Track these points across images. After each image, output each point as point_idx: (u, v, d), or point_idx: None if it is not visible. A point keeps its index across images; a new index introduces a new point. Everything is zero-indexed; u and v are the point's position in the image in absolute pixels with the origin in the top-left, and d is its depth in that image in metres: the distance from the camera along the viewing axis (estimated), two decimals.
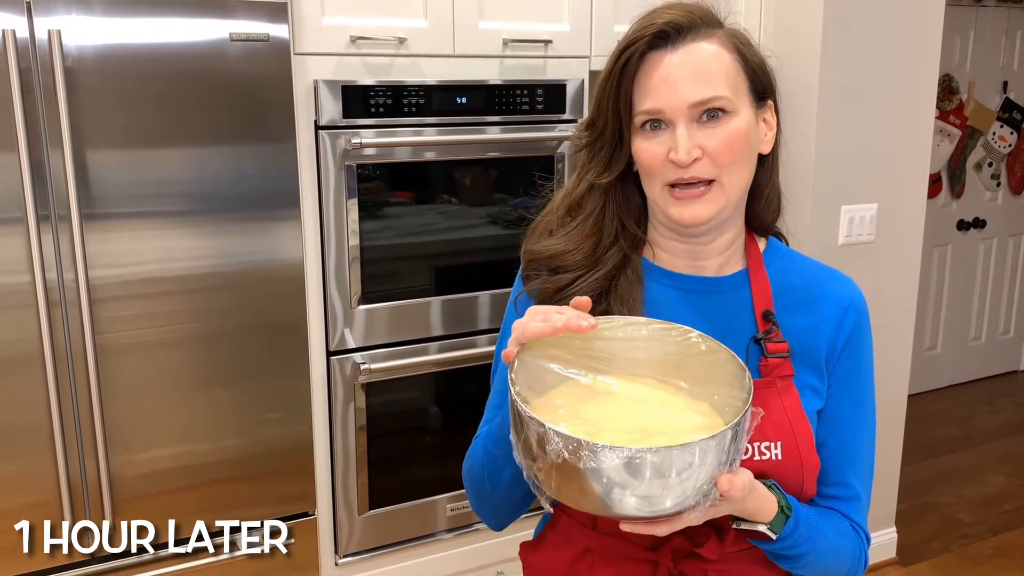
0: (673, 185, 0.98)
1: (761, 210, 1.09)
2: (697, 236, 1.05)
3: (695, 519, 0.87)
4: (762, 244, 1.11)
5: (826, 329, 1.05)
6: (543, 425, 0.82)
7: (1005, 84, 4.39)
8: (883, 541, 2.96)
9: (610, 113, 1.01)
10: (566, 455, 0.80)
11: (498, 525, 1.14)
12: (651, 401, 0.92)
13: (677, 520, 0.86)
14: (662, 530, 0.87)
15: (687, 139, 0.96)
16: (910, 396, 3.37)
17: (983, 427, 4.15)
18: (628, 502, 0.82)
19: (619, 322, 0.98)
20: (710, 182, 0.98)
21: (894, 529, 2.99)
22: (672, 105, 0.96)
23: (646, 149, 0.99)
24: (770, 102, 1.04)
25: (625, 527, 0.87)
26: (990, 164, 4.47)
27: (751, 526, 0.96)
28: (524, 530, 1.23)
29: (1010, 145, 4.49)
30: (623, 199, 1.07)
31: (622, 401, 0.91)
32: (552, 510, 0.94)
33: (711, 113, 0.97)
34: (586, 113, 2.32)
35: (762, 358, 1.03)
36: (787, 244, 1.16)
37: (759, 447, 0.99)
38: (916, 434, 3.93)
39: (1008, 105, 4.43)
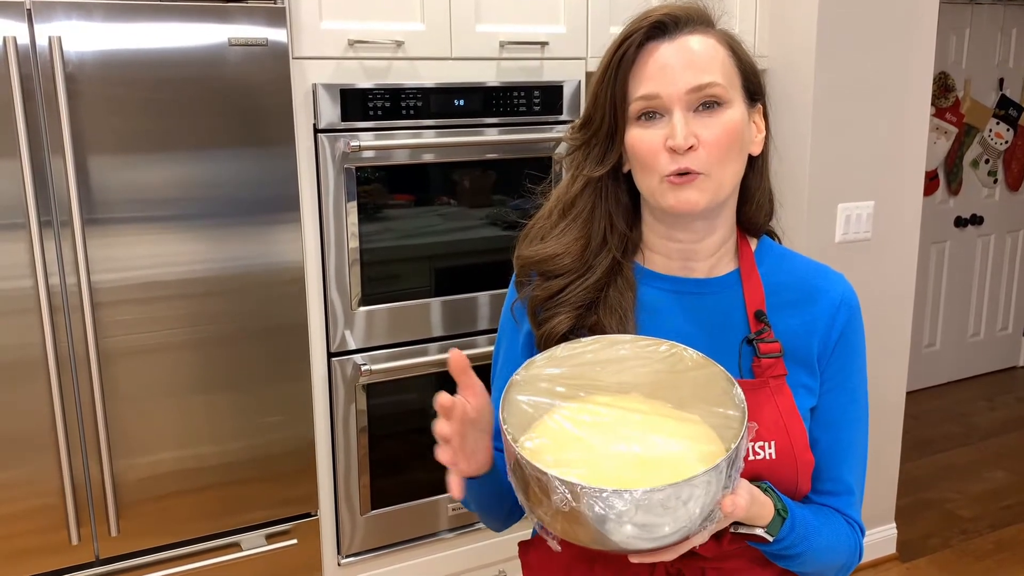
0: (672, 175, 0.98)
1: (752, 213, 1.09)
2: (689, 231, 1.05)
3: (701, 540, 0.88)
4: (753, 244, 1.11)
5: (818, 327, 1.05)
6: (545, 473, 0.81)
7: (1001, 81, 4.40)
8: (883, 537, 2.97)
9: (607, 106, 1.01)
10: (572, 503, 0.79)
11: (498, 529, 1.16)
12: (643, 427, 0.91)
13: (683, 545, 0.87)
14: (669, 556, 0.88)
15: (684, 125, 0.96)
16: (909, 393, 3.38)
17: (983, 423, 4.16)
18: (631, 536, 0.81)
19: (605, 342, 0.98)
20: (700, 174, 0.98)
21: (894, 525, 3.00)
22: (669, 92, 0.97)
23: (641, 138, 0.99)
24: (759, 106, 1.05)
25: (634, 559, 0.87)
26: (987, 161, 4.48)
27: (749, 530, 0.97)
28: (525, 529, 1.24)
29: (1006, 142, 4.50)
30: (613, 198, 1.07)
31: (614, 431, 0.90)
32: (560, 548, 0.95)
33: (707, 104, 0.98)
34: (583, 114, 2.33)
35: (755, 358, 1.03)
36: (780, 243, 1.16)
37: (753, 447, 1.00)
38: (916, 431, 3.95)
39: (1004, 102, 4.44)
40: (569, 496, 0.79)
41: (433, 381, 2.34)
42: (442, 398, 0.91)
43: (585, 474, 0.83)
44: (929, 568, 2.95)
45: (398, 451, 2.35)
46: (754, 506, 0.94)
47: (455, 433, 0.93)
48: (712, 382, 0.93)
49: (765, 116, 1.07)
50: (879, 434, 2.80)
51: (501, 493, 1.04)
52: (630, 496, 0.78)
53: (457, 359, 0.93)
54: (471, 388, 0.93)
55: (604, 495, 0.78)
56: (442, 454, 0.94)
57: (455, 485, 0.95)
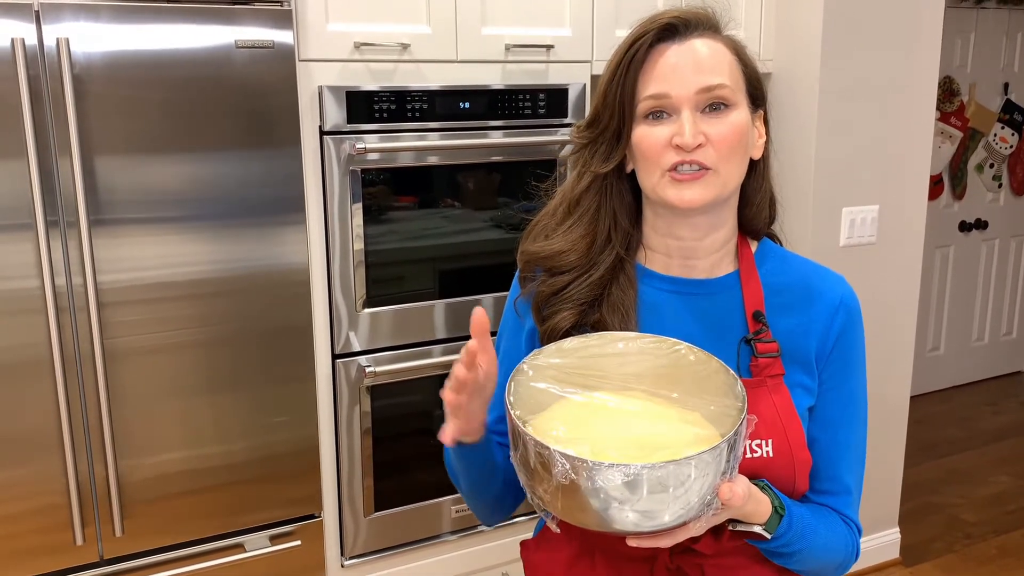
0: (674, 169, 0.99)
1: (752, 216, 1.10)
2: (690, 229, 1.06)
3: (699, 529, 0.89)
4: (754, 246, 1.12)
5: (816, 328, 1.07)
6: (547, 448, 0.83)
7: (1006, 86, 4.40)
8: (886, 541, 2.97)
9: (615, 104, 1.03)
10: (572, 476, 0.81)
11: (487, 520, 1.17)
12: (646, 415, 0.93)
13: (681, 531, 0.88)
14: (666, 542, 0.89)
15: (693, 123, 0.98)
16: (913, 397, 3.38)
17: (986, 428, 4.16)
18: (631, 518, 0.83)
19: (610, 337, 1.00)
20: (708, 169, 1.00)
21: (897, 529, 3.00)
22: (678, 91, 0.99)
23: (648, 135, 1.01)
24: (761, 112, 1.07)
25: (631, 542, 0.88)
26: (991, 165, 4.48)
27: (747, 527, 0.98)
28: (527, 531, 1.25)
29: (1011, 146, 4.50)
30: (618, 196, 1.08)
31: (618, 417, 0.93)
32: (559, 530, 0.96)
33: (714, 105, 0.99)
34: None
35: (752, 358, 1.04)
36: (780, 244, 1.17)
37: (751, 445, 1.01)
38: (919, 435, 3.94)
39: (1009, 106, 4.44)
40: (569, 469, 0.81)
41: (437, 383, 2.35)
42: (460, 372, 0.92)
43: (589, 453, 0.84)
44: (933, 572, 2.94)
45: (402, 453, 2.35)
46: (751, 503, 0.95)
47: (464, 402, 0.95)
48: (713, 376, 0.95)
49: (766, 122, 1.09)
50: (883, 438, 2.81)
51: (491, 468, 1.07)
52: (628, 470, 0.80)
53: (480, 319, 0.94)
54: (487, 352, 0.94)
55: (603, 468, 0.80)
56: (450, 407, 0.96)
57: (450, 432, 0.97)
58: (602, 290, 1.07)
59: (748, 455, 1.01)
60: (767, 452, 1.01)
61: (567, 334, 1.05)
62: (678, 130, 0.98)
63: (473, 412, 0.97)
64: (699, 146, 0.98)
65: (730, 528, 0.98)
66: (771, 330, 1.06)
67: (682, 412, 0.93)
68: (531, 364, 0.97)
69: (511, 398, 0.91)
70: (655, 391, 0.96)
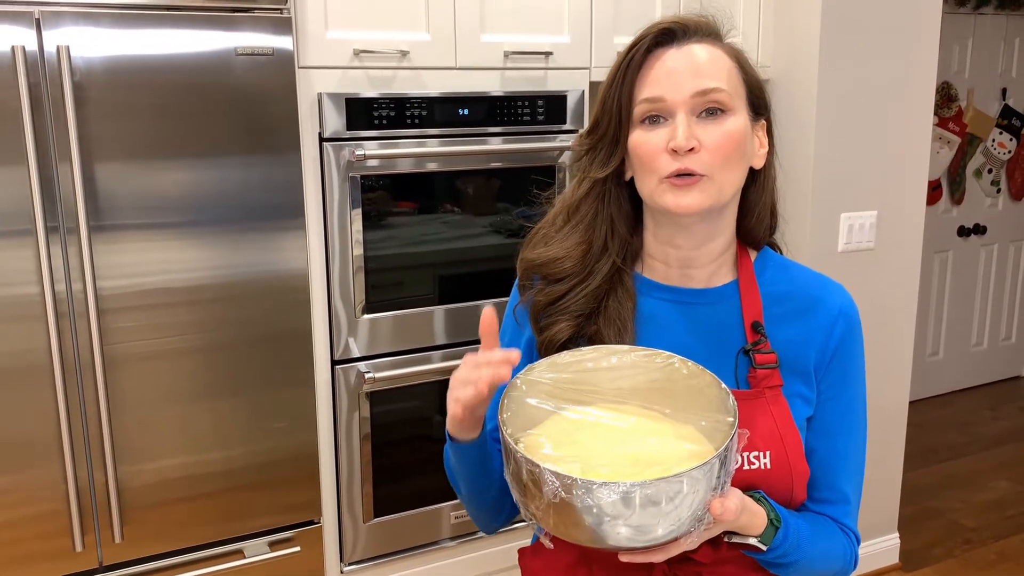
0: (670, 176, 0.99)
1: (753, 226, 1.10)
2: (688, 236, 1.06)
3: (691, 544, 0.88)
4: (754, 255, 1.12)
5: (816, 338, 1.06)
6: (537, 465, 0.83)
7: (1004, 91, 4.41)
8: (886, 547, 2.97)
9: (613, 108, 1.03)
10: (562, 494, 0.82)
11: (487, 527, 1.16)
12: (639, 430, 0.93)
13: (673, 546, 0.88)
14: (659, 557, 0.89)
15: (686, 126, 0.98)
16: (913, 402, 3.38)
17: (986, 433, 4.16)
18: (623, 534, 0.83)
19: (604, 351, 1.00)
20: (703, 176, 0.99)
21: (897, 535, 3.00)
22: (673, 95, 0.99)
23: (644, 141, 1.00)
24: (763, 121, 1.06)
25: (624, 558, 0.89)
26: (990, 170, 4.49)
27: (742, 539, 0.98)
28: (526, 537, 1.25)
29: (1009, 151, 4.51)
30: (615, 203, 1.08)
31: (610, 432, 0.93)
32: (552, 545, 0.96)
33: (711, 110, 0.99)
34: (587, 123, 2.34)
35: (751, 369, 1.04)
36: (781, 253, 1.17)
37: (748, 457, 1.01)
38: (919, 440, 3.94)
39: (1007, 112, 4.45)
40: (559, 487, 0.81)
41: (436, 389, 2.35)
42: (506, 373, 0.91)
43: (579, 470, 0.84)
44: None
45: (401, 459, 2.35)
46: (745, 515, 0.94)
47: (477, 399, 0.94)
48: (706, 390, 0.95)
49: (770, 132, 1.08)
50: (882, 443, 2.81)
51: (488, 470, 1.06)
52: (617, 488, 0.80)
53: (489, 319, 0.94)
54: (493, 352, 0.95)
55: (593, 487, 0.80)
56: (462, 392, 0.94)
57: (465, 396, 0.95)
58: (599, 303, 1.07)
59: (746, 467, 1.01)
60: (765, 464, 1.01)
61: (564, 346, 1.05)
62: (672, 134, 0.98)
63: (475, 406, 0.97)
64: (691, 150, 0.97)
65: (726, 540, 0.98)
66: (770, 340, 1.05)
67: (676, 427, 0.93)
68: (524, 379, 0.97)
69: (505, 415, 0.91)
70: (648, 405, 0.96)
